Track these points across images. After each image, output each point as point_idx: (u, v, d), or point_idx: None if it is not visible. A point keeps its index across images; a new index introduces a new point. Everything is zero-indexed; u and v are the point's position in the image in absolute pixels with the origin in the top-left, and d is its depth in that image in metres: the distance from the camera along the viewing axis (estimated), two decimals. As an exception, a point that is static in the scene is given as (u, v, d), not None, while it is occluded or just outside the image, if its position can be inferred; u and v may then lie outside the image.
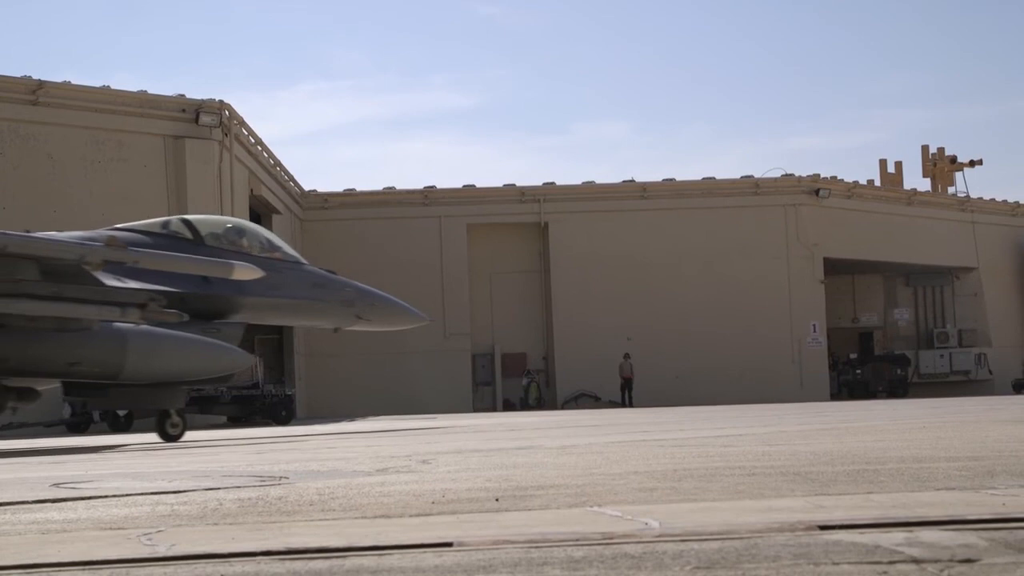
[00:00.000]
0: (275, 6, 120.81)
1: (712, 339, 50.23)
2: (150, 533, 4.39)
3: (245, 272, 18.61)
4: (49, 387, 18.60)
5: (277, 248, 21.11)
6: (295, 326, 21.10)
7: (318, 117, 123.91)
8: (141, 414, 18.90)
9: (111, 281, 17.12)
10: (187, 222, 20.48)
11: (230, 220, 22.34)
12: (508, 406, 50.42)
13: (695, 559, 3.39)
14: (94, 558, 3.75)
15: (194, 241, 19.67)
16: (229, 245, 20.12)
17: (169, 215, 36.53)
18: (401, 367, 47.91)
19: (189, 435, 19.77)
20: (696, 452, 9.22)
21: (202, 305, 18.84)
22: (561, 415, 32.36)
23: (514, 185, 53.07)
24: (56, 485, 7.31)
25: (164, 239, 19.41)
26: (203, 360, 18.88)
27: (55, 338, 17.29)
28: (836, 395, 53.49)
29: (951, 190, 61.79)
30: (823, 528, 3.93)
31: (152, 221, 20.80)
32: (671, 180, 53.62)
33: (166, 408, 18.70)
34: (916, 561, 3.28)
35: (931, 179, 62.46)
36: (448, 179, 74.23)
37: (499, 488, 6.04)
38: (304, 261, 21.33)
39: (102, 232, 18.90)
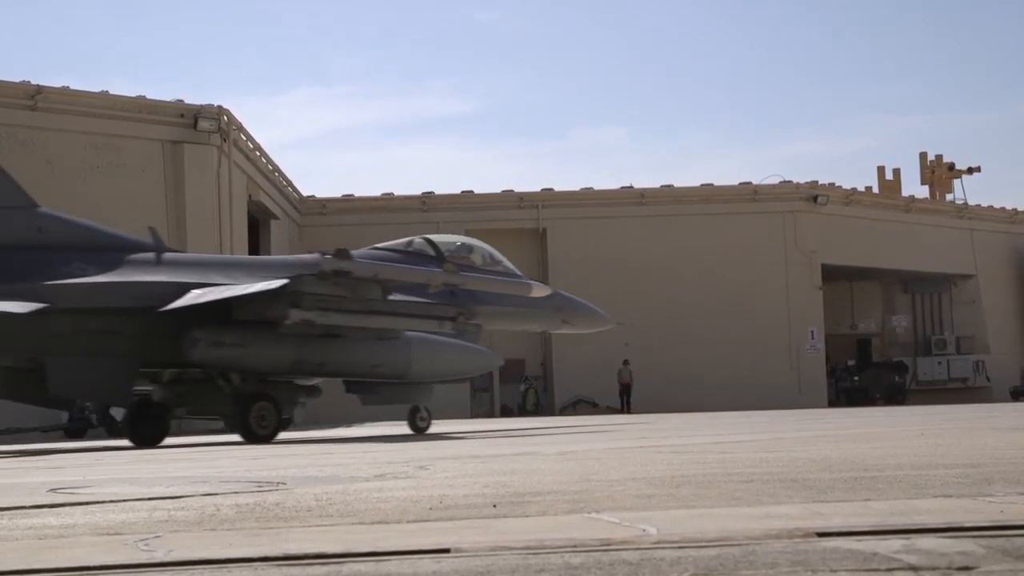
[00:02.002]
0: (273, 12, 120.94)
1: (710, 345, 50.22)
2: (148, 539, 4.39)
3: (540, 290, 22.82)
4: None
5: (499, 262, 23.56)
6: (510, 330, 24.91)
7: (316, 122, 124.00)
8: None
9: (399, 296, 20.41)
10: (429, 241, 23.01)
11: (460, 238, 24.87)
12: (506, 412, 50.38)
13: (693, 566, 3.39)
14: (91, 564, 3.74)
15: (436, 257, 22.25)
16: (461, 260, 22.55)
17: (167, 220, 36.75)
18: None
19: (187, 440, 19.77)
20: (694, 459, 9.22)
21: (448, 314, 21.13)
22: (563, 422, 32.34)
23: (512, 191, 53.10)
24: (53, 490, 7.31)
25: (413, 256, 22.07)
26: (467, 361, 22.47)
27: (370, 345, 20.38)
28: (834, 402, 53.48)
29: (949, 197, 61.84)
30: (821, 535, 3.93)
31: (398, 241, 23.28)
32: (669, 186, 53.66)
33: (417, 404, 22.19)
34: (914, 568, 3.28)
35: (929, 186, 62.52)
36: (446, 185, 74.21)
37: (497, 494, 6.03)
38: (519, 272, 23.59)
39: (363, 251, 21.91)
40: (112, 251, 20.21)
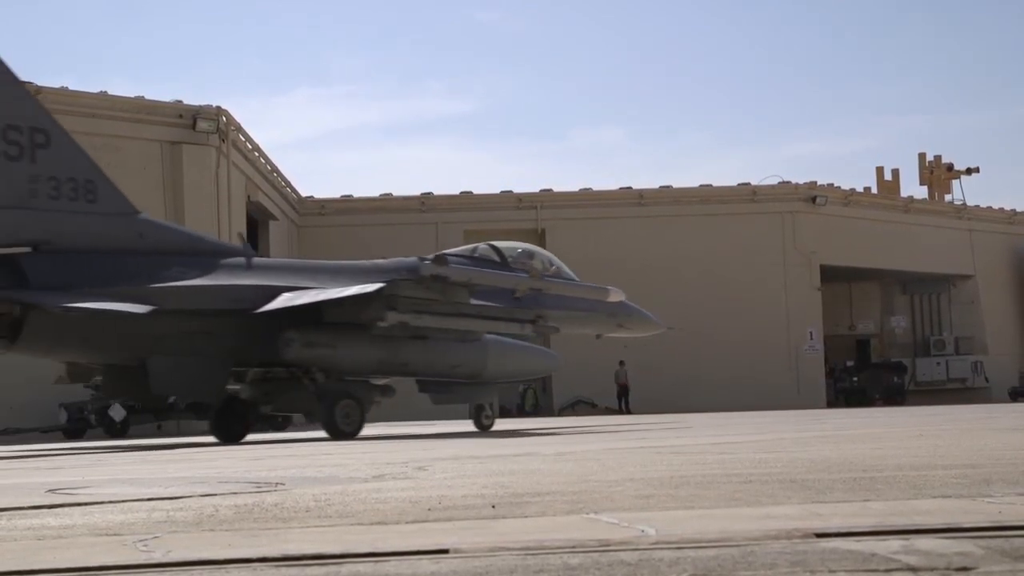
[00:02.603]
0: (272, 12, 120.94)
1: (709, 346, 50.20)
2: (146, 539, 4.38)
3: (616, 295, 23.58)
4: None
5: (559, 266, 24.40)
6: (569, 333, 25.33)
7: (315, 123, 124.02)
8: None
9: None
10: (494, 247, 23.92)
11: (520, 244, 25.40)
12: (505, 412, 50.34)
13: (691, 566, 3.39)
14: (90, 564, 3.74)
15: (500, 263, 23.25)
16: (521, 266, 23.34)
17: (166, 221, 36.70)
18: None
19: (185, 441, 19.76)
20: (693, 459, 9.21)
21: (528, 317, 22.44)
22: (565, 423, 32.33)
23: (511, 191, 53.10)
24: (52, 491, 7.30)
25: (479, 262, 22.94)
26: (534, 362, 24.46)
27: (451, 346, 21.78)
28: (833, 402, 53.48)
29: (948, 198, 61.87)
30: (820, 536, 3.93)
31: (463, 248, 24.49)
32: (668, 187, 53.67)
33: (482, 403, 23.23)
34: (913, 569, 3.28)
35: (928, 187, 62.54)
36: (445, 185, 74.38)
37: (495, 495, 6.03)
38: (576, 277, 24.22)
39: (429, 257, 22.49)
40: (206, 256, 21.18)
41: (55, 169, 19.40)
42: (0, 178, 18.78)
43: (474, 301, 21.45)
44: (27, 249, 19.03)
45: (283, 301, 20.21)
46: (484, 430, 22.62)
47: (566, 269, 24.49)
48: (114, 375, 20.98)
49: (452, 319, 21.25)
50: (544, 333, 22.96)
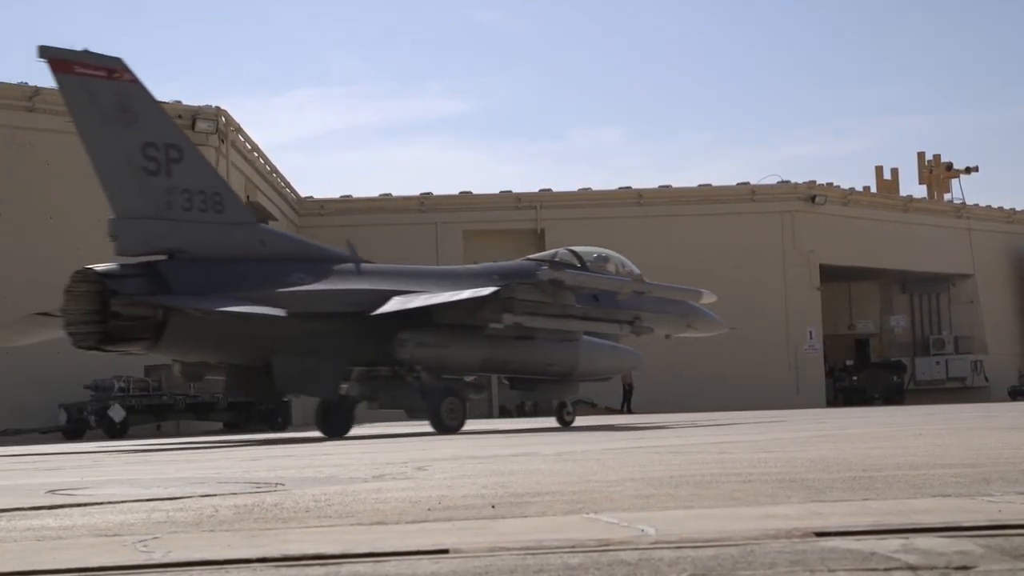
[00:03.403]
0: (272, 12, 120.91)
1: (708, 345, 50.12)
2: (146, 540, 4.38)
3: (708, 296, 25.43)
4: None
5: (629, 268, 25.62)
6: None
7: (314, 123, 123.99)
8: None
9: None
10: (573, 252, 25.27)
11: (596, 249, 26.46)
12: (504, 413, 50.32)
13: (691, 566, 3.39)
14: (90, 565, 3.74)
15: (581, 267, 24.49)
16: (599, 269, 24.88)
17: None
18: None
19: (184, 442, 19.75)
20: (692, 459, 9.21)
21: (627, 318, 23.86)
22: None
23: (510, 191, 53.07)
24: (52, 492, 7.30)
25: (561, 266, 23.94)
26: (621, 361, 25.63)
27: (552, 346, 23.13)
28: (832, 402, 53.47)
29: (947, 197, 61.87)
30: (819, 535, 3.93)
31: (544, 253, 25.93)
32: (667, 187, 53.65)
33: (565, 400, 24.31)
34: (912, 568, 3.28)
35: (927, 186, 62.54)
36: (445, 185, 74.32)
37: (495, 495, 6.03)
38: (645, 280, 24.80)
39: (519, 261, 24.82)
40: (319, 261, 22.72)
41: (188, 182, 20.86)
42: (140, 191, 20.36)
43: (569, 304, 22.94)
44: (163, 257, 20.64)
45: (398, 304, 21.68)
46: (565, 426, 23.62)
47: (636, 271, 25.55)
48: (237, 374, 22.19)
49: (560, 320, 22.79)
50: (641, 333, 24.13)
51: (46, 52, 20.14)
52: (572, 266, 24.28)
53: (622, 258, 26.19)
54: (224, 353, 21.53)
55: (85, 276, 20.28)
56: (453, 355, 22.29)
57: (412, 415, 24.32)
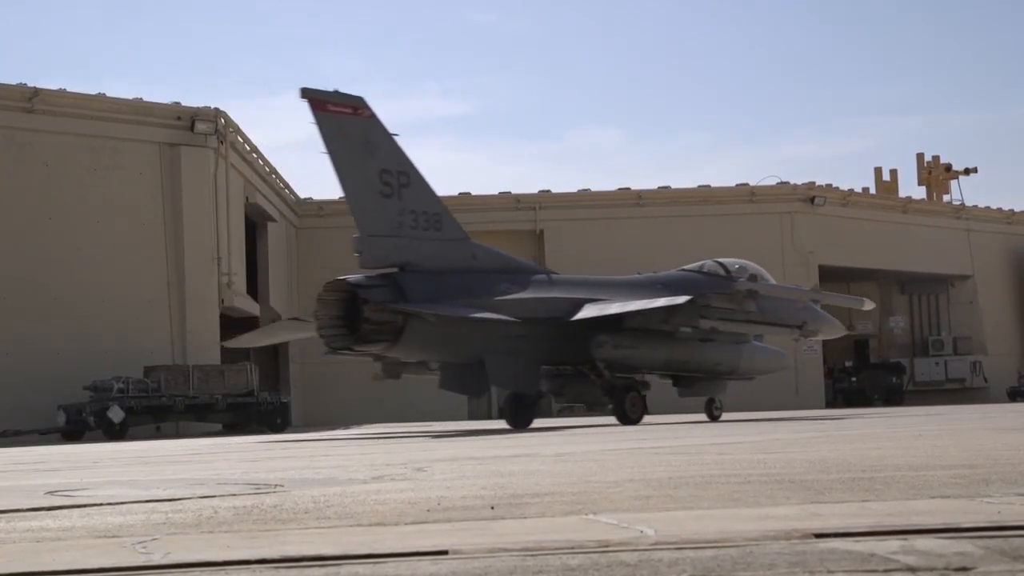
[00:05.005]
0: (270, 13, 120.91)
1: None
2: (145, 541, 4.38)
3: (868, 304, 27.94)
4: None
5: (764, 275, 28.15)
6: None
7: (311, 124, 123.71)
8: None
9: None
10: (719, 263, 28.04)
11: (738, 261, 28.95)
12: (503, 414, 50.23)
13: (691, 567, 3.39)
14: (89, 566, 3.74)
15: (727, 277, 27.21)
16: (743, 277, 27.32)
17: (164, 223, 36.81)
18: (396, 374, 47.73)
19: (184, 443, 19.75)
20: (692, 460, 9.21)
21: (797, 322, 26.87)
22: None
23: (509, 193, 53.03)
24: (51, 493, 7.30)
25: (709, 276, 27.12)
26: (774, 361, 28.71)
27: (725, 347, 26.25)
28: (832, 403, 53.42)
29: (946, 198, 61.84)
30: (818, 536, 3.93)
31: (694, 264, 28.52)
32: (666, 188, 53.62)
33: (714, 396, 27.09)
34: (911, 569, 3.28)
35: (926, 187, 62.51)
36: (443, 186, 74.18)
37: (495, 496, 6.03)
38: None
39: (673, 272, 27.78)
40: (520, 273, 25.82)
41: (414, 204, 24.02)
42: (379, 213, 23.56)
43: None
44: (395, 269, 23.62)
45: (596, 310, 24.72)
46: (714, 420, 26.11)
47: (771, 278, 28.50)
48: (451, 371, 25.11)
49: (747, 325, 25.76)
50: (810, 335, 27.54)
51: (307, 93, 23.39)
52: (719, 275, 27.18)
53: (758, 267, 28.63)
54: (447, 353, 24.41)
55: (336, 286, 23.07)
56: (640, 356, 25.23)
57: (593, 409, 27.57)
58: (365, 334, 22.83)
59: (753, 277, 27.78)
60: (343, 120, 23.52)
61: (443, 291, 23.60)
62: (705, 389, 27.12)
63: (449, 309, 23.11)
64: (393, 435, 22.05)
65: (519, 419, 24.88)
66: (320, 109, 23.36)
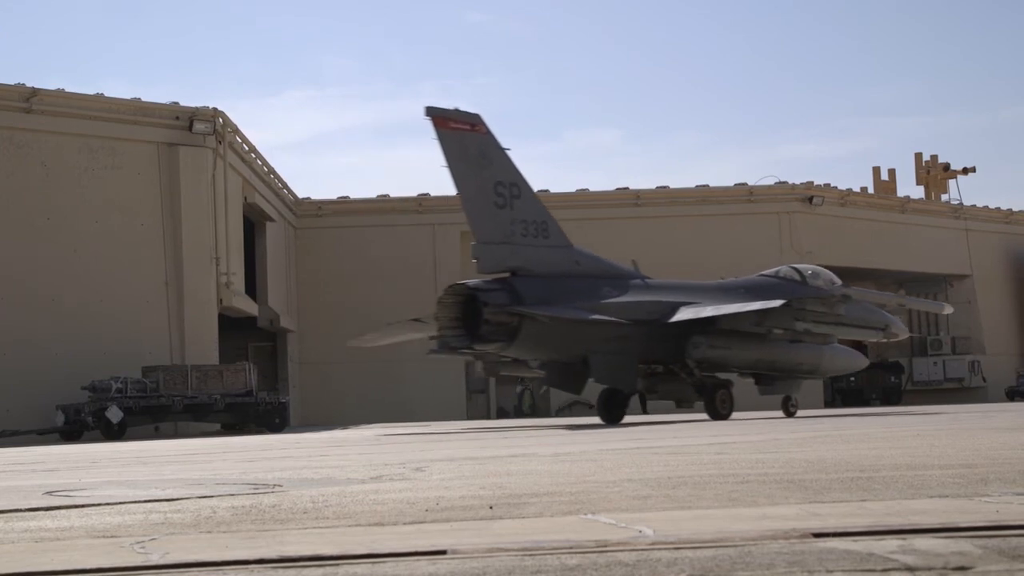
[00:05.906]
0: (267, 14, 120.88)
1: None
2: (143, 541, 4.38)
3: (947, 308, 32.47)
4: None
5: (834, 280, 29.13)
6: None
7: (310, 124, 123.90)
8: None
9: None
10: (795, 268, 29.39)
11: (811, 266, 30.48)
12: (502, 414, 50.31)
13: (689, 567, 3.39)
14: (87, 567, 3.74)
15: (802, 283, 28.33)
16: (816, 282, 28.42)
17: (163, 223, 36.81)
18: (395, 375, 47.78)
19: (184, 443, 19.73)
20: (690, 460, 9.21)
21: (880, 325, 29.04)
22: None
23: (508, 193, 52.95)
24: (49, 493, 7.30)
25: (784, 281, 28.28)
26: (850, 361, 30.03)
27: (810, 348, 27.48)
28: (830, 403, 53.41)
29: (944, 198, 61.81)
30: (817, 536, 3.93)
31: (770, 270, 29.93)
32: (665, 188, 53.61)
33: (790, 394, 27.94)
34: (910, 569, 3.28)
35: (924, 187, 62.49)
36: (443, 187, 74.10)
37: (493, 496, 6.03)
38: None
39: (746, 279, 29.32)
40: (618, 278, 27.26)
41: (524, 214, 25.74)
42: (494, 222, 25.24)
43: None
44: (507, 274, 25.24)
45: (692, 313, 26.13)
46: (790, 416, 27.03)
47: (839, 281, 29.34)
48: (555, 369, 27.01)
49: (836, 327, 27.29)
50: (891, 338, 29.49)
51: (431, 111, 25.06)
52: (794, 280, 28.43)
53: (829, 272, 29.72)
54: (555, 351, 25.96)
55: (455, 290, 24.85)
56: (733, 355, 26.68)
57: (682, 406, 28.69)
58: (484, 334, 24.43)
59: (831, 282, 28.98)
60: (462, 136, 25.11)
61: (553, 295, 25.15)
62: (784, 387, 28.05)
63: (563, 311, 24.69)
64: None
65: (612, 414, 26.52)
66: (442, 126, 24.92)
